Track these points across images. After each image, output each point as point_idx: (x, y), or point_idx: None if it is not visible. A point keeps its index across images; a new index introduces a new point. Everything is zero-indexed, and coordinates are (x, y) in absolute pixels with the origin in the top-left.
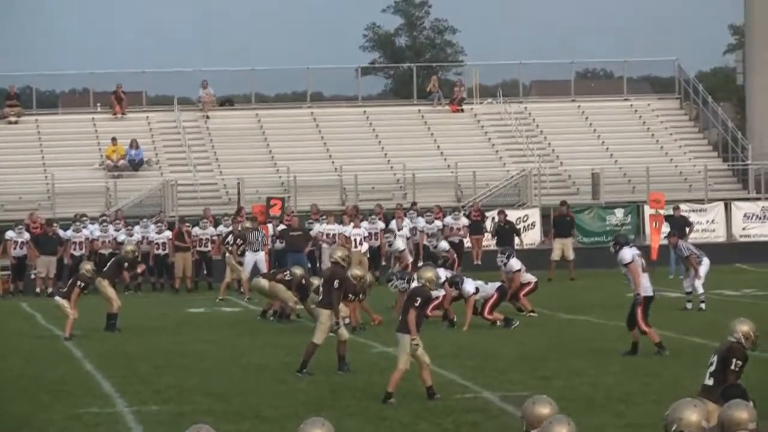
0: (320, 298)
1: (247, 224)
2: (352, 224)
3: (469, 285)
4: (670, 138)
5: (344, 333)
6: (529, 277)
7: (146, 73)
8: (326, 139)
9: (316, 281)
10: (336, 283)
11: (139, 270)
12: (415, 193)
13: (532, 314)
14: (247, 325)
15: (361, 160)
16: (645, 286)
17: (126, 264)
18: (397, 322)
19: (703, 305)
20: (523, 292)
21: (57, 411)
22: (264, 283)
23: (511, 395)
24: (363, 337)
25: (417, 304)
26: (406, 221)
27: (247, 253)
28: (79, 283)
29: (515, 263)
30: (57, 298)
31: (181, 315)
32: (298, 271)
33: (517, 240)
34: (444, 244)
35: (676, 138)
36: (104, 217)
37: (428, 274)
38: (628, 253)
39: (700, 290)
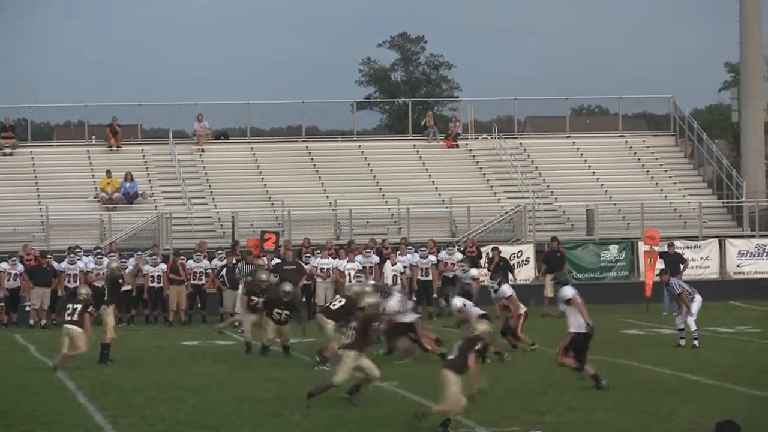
0: (349, 340)
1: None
2: (346, 258)
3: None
4: (665, 175)
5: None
6: (519, 307)
7: (142, 105)
8: (321, 173)
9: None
10: (369, 329)
11: (127, 287)
12: (410, 228)
13: (533, 348)
14: (241, 358)
15: (356, 195)
16: (579, 323)
17: (121, 280)
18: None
19: (696, 342)
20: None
21: None
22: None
23: (506, 430)
24: None
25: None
26: (406, 257)
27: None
28: (90, 309)
29: (507, 289)
30: (71, 327)
31: (175, 348)
32: (287, 287)
33: (511, 276)
34: (474, 272)
35: (670, 175)
36: (98, 250)
37: (483, 327)
38: (569, 291)
39: (693, 327)
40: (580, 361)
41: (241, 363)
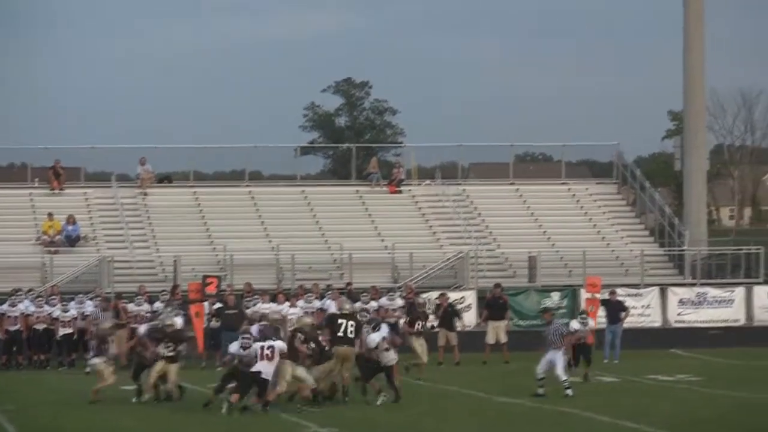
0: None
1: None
2: (288, 303)
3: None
4: (607, 222)
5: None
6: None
7: (85, 149)
8: (264, 218)
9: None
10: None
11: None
12: (352, 273)
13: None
14: (181, 402)
15: (299, 240)
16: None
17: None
18: None
19: (569, 392)
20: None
21: None
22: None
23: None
24: (296, 416)
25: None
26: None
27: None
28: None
29: (375, 337)
30: (96, 360)
31: (116, 391)
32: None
33: (458, 322)
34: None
35: (613, 222)
36: (33, 293)
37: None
38: (376, 337)
39: (564, 377)
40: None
41: (182, 406)
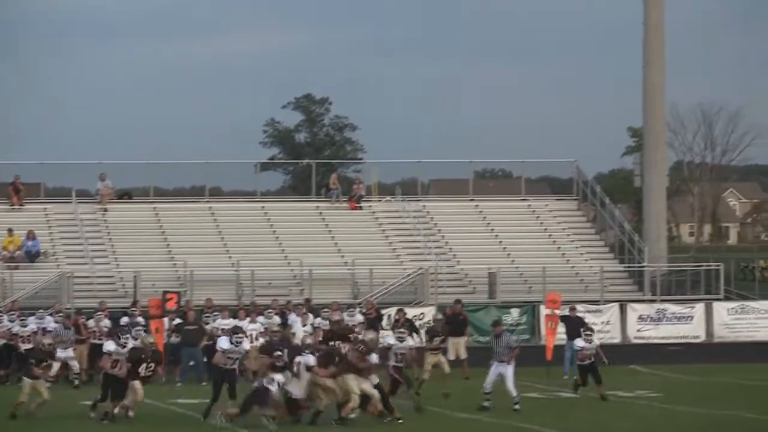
0: None
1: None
2: (248, 319)
3: None
4: (567, 239)
5: None
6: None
7: (44, 164)
8: (224, 234)
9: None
10: None
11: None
12: (312, 289)
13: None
14: (141, 418)
15: (259, 256)
16: None
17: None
18: None
19: (517, 407)
20: None
21: None
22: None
23: None
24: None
25: None
26: (310, 318)
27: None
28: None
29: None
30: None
31: (75, 407)
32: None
33: (417, 338)
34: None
35: (573, 239)
36: None
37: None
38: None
39: (514, 392)
40: None
41: (142, 423)
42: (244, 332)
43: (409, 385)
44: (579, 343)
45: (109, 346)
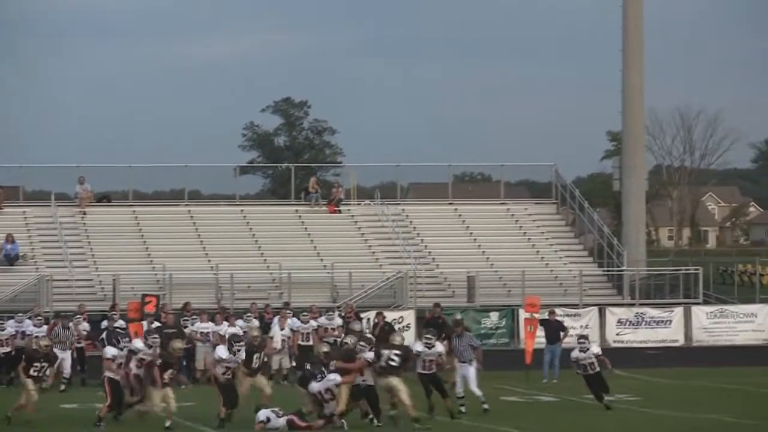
0: None
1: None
2: (227, 323)
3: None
4: (546, 243)
5: None
6: None
7: (23, 167)
8: (203, 237)
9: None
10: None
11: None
12: (291, 293)
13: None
14: (121, 421)
15: (238, 259)
16: None
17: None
18: None
19: (485, 406)
20: None
21: None
22: None
23: None
24: None
25: None
26: (288, 321)
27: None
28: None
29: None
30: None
31: (55, 410)
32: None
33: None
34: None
35: (552, 243)
36: None
37: None
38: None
39: (478, 392)
40: None
41: (121, 426)
42: (241, 340)
43: (444, 395)
44: (575, 353)
45: (138, 344)
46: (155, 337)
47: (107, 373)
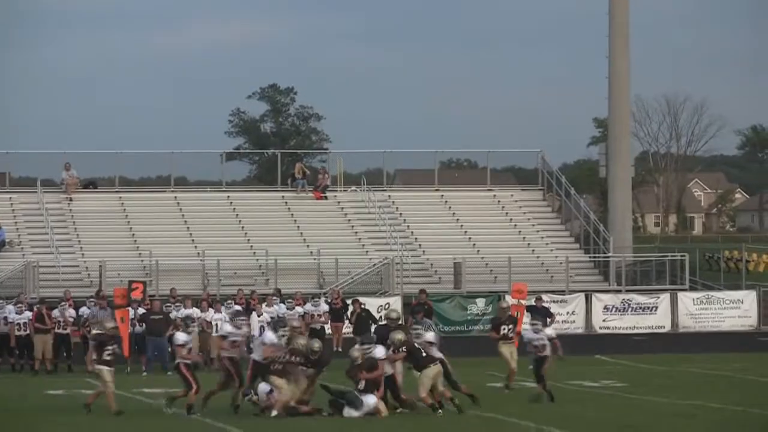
0: None
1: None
2: (212, 309)
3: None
4: (532, 229)
5: None
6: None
7: (9, 154)
8: (189, 223)
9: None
10: None
11: None
12: (278, 279)
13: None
14: (107, 407)
15: (224, 245)
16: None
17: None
18: None
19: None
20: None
21: None
22: None
23: None
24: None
25: None
26: (273, 308)
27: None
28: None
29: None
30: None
31: (40, 397)
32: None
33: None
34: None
35: (538, 229)
36: None
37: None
38: (381, 351)
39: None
40: None
41: (108, 412)
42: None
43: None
44: (527, 334)
45: (227, 327)
46: (242, 319)
47: (180, 360)
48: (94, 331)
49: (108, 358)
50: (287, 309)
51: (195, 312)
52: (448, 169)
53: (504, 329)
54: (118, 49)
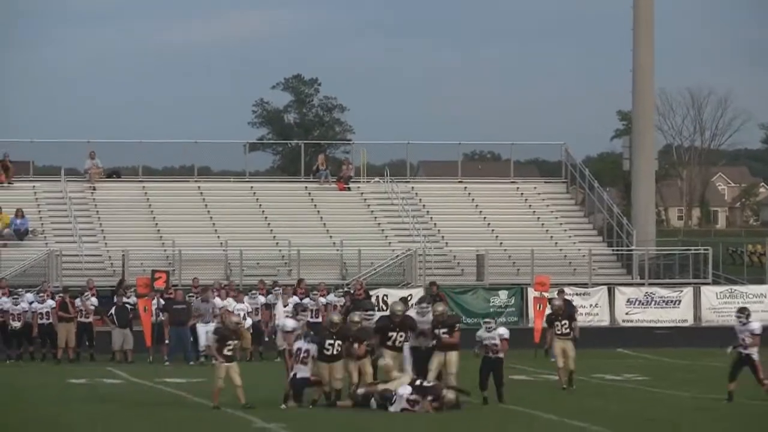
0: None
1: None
2: (232, 299)
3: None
4: (555, 222)
5: None
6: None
7: (34, 142)
8: (212, 213)
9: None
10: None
11: None
12: (300, 270)
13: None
14: (129, 397)
15: (247, 236)
16: None
17: None
18: None
19: None
20: None
21: None
22: None
23: None
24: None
25: None
26: (293, 298)
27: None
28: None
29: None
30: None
31: (63, 385)
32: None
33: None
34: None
35: (561, 222)
36: None
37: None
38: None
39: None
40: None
41: (129, 402)
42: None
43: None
44: (480, 332)
45: (289, 323)
46: (304, 312)
47: (286, 347)
48: (213, 325)
49: (229, 353)
50: (311, 299)
51: (218, 302)
52: (471, 161)
53: (560, 325)
54: (143, 40)
